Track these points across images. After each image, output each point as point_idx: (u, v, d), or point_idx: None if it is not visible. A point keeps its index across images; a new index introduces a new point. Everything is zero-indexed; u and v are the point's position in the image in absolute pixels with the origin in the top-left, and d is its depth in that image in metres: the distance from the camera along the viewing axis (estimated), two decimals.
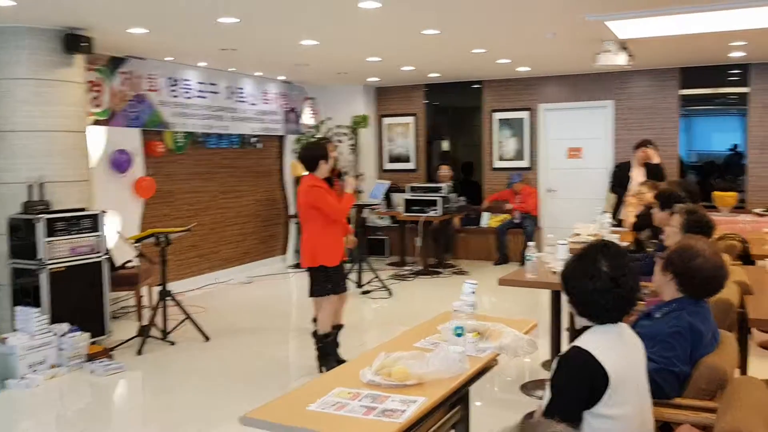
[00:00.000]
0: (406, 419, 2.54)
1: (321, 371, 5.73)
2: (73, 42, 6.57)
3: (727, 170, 10.36)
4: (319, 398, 2.72)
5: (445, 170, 11.31)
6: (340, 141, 11.58)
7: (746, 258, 6.17)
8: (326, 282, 5.71)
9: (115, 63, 8.16)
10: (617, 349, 2.46)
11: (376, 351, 3.21)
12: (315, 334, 5.90)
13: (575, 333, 2.55)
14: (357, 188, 6.19)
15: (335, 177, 5.76)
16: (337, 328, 5.96)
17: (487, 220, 11.40)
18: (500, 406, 5.22)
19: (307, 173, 5.81)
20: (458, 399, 3.21)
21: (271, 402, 2.78)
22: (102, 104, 7.95)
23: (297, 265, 11.02)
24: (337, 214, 5.71)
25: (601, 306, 2.48)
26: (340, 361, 5.62)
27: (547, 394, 2.46)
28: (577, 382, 2.38)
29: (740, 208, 9.77)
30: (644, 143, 8.90)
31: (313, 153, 5.74)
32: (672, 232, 4.37)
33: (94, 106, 7.82)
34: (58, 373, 5.88)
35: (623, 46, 7.66)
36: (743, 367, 4.51)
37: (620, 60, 7.60)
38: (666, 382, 2.85)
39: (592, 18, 6.47)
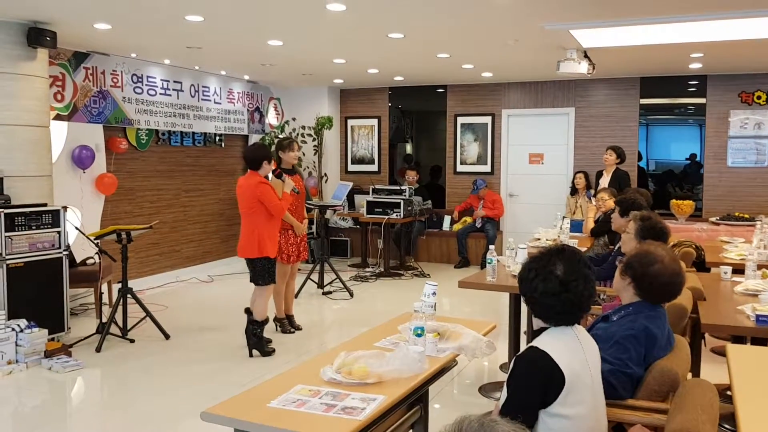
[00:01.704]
0: (366, 417, 2.57)
1: (251, 355, 6.36)
2: (37, 36, 6.51)
3: (685, 179, 10.57)
4: (279, 395, 2.75)
5: (412, 175, 11.37)
6: (304, 141, 11.60)
7: (701, 265, 6.32)
8: (268, 271, 6.32)
9: (78, 58, 8.09)
10: (573, 350, 2.52)
11: (337, 350, 3.25)
12: (253, 320, 6.38)
13: (534, 335, 2.60)
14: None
15: (275, 177, 6.48)
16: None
17: (449, 223, 11.48)
18: (459, 408, 5.27)
19: (250, 171, 6.30)
20: (417, 399, 3.25)
21: (232, 398, 2.79)
22: (64, 99, 7.88)
23: None
24: (279, 212, 6.28)
25: (551, 308, 2.53)
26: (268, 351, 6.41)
27: (504, 393, 2.51)
28: (534, 382, 2.43)
29: (697, 216, 9.98)
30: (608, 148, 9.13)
31: (259, 154, 6.28)
32: (628, 238, 4.47)
33: (57, 100, 7.74)
34: (15, 369, 5.82)
35: (585, 54, 7.78)
36: (696, 371, 4.62)
37: (582, 68, 7.72)
38: (620, 383, 2.92)
39: (549, 27, 6.59)
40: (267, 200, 6.13)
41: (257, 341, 6.37)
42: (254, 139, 11.36)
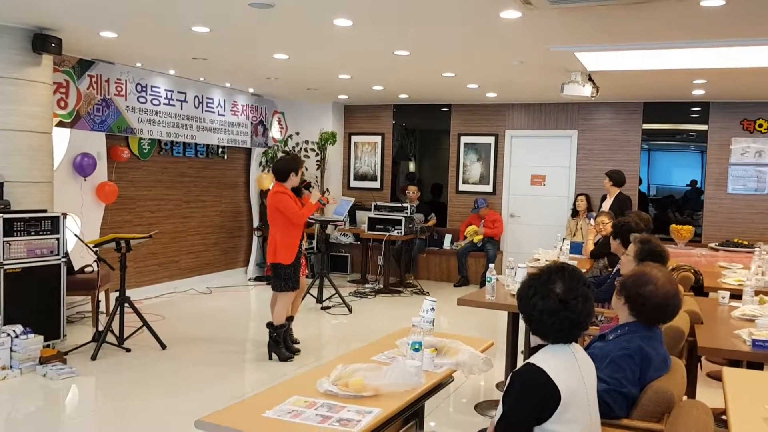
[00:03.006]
0: (361, 429, 2.56)
1: (270, 358, 6.60)
2: (42, 42, 6.53)
3: (685, 205, 10.58)
4: (275, 405, 2.74)
5: (413, 190, 11.38)
6: (307, 156, 11.62)
7: (699, 290, 6.31)
8: (284, 278, 6.48)
9: (83, 65, 8.11)
10: (570, 368, 2.52)
11: (334, 363, 3.24)
12: (270, 324, 6.63)
13: (531, 352, 2.60)
14: (321, 201, 6.67)
15: (303, 188, 6.65)
16: (290, 319, 6.77)
17: (450, 241, 11.47)
18: (454, 426, 5.26)
19: (276, 182, 6.56)
20: (413, 413, 3.24)
21: (227, 407, 2.79)
22: (67, 106, 7.90)
23: (258, 278, 11.05)
24: (297, 218, 6.43)
25: (550, 326, 2.53)
26: (291, 350, 6.70)
27: (499, 409, 2.51)
28: (529, 398, 2.42)
29: (696, 241, 9.98)
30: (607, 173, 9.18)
31: (286, 165, 6.53)
32: (627, 260, 4.47)
33: (60, 107, 7.76)
34: (9, 375, 5.80)
35: (589, 77, 7.81)
36: (691, 394, 4.61)
37: (586, 91, 7.74)
38: (615, 403, 2.92)
39: (555, 49, 6.62)
40: (284, 208, 6.36)
41: (275, 346, 6.58)
42: (257, 152, 11.39)
